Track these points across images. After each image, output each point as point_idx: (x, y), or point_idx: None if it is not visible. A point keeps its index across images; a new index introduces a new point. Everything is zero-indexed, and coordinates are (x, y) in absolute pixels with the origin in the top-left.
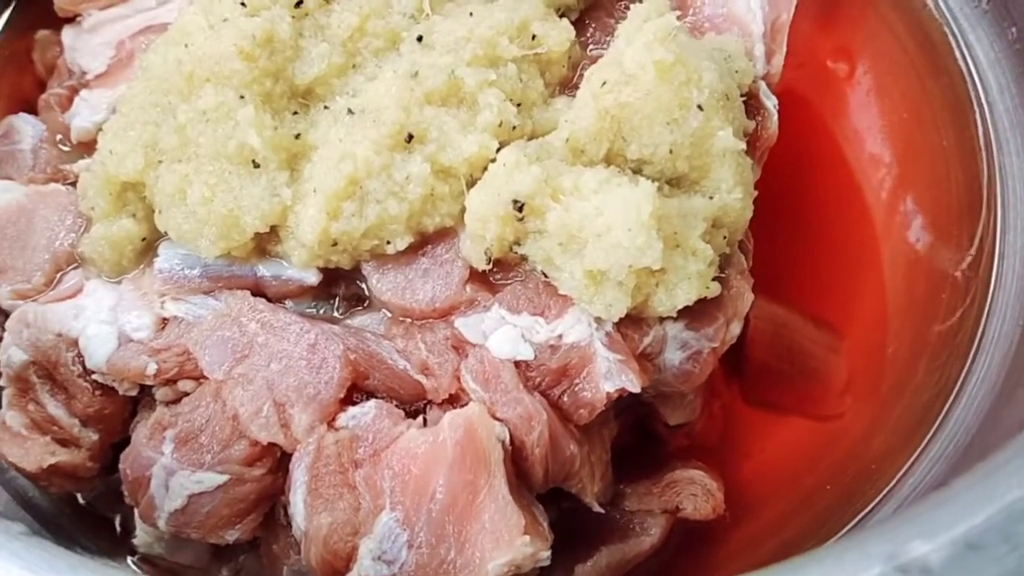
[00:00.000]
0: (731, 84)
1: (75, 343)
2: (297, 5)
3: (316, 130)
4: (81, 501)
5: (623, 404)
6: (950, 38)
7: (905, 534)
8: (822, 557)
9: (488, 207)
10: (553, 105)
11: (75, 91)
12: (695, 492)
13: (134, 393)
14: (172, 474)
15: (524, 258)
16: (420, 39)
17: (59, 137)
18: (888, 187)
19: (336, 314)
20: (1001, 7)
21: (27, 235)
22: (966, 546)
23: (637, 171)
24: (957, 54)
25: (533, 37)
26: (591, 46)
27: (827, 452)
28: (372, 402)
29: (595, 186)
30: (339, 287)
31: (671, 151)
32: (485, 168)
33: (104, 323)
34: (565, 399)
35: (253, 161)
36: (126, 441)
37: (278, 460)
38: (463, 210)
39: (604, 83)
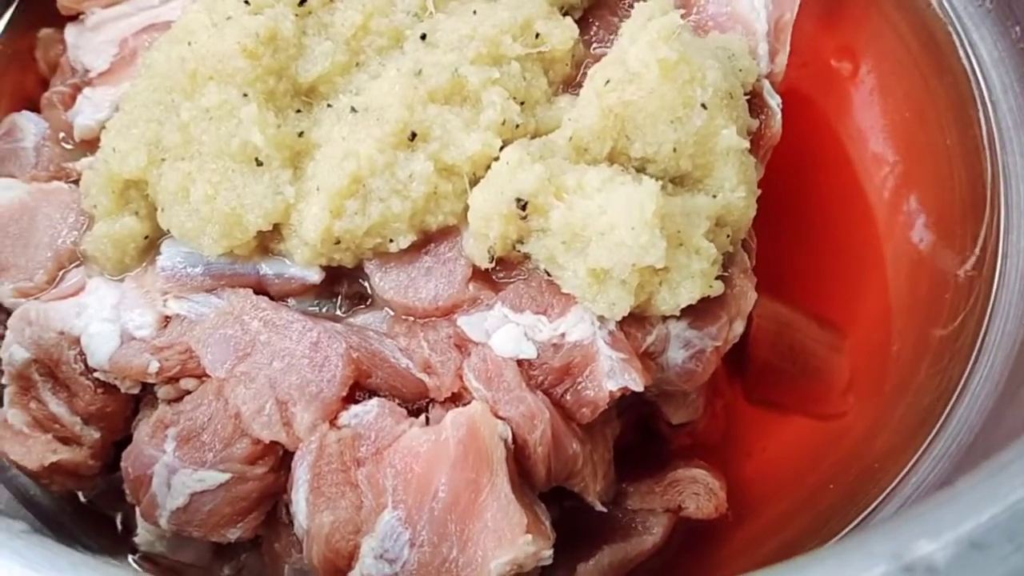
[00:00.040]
0: (735, 83)
1: (77, 341)
2: (301, 3)
3: (319, 128)
4: (82, 499)
5: (626, 403)
6: (954, 37)
7: (910, 533)
8: (826, 556)
9: (491, 205)
10: (556, 103)
11: (78, 89)
12: (697, 491)
13: (136, 391)
14: (174, 472)
15: (527, 256)
16: (424, 37)
17: (62, 135)
18: (891, 186)
19: (339, 312)
20: (1005, 6)
21: (29, 233)
22: (971, 545)
23: (641, 169)
24: (961, 53)
25: (537, 35)
26: (595, 44)
27: (830, 451)
28: (374, 400)
29: (598, 184)
30: (342, 285)
31: (675, 149)
32: (488, 166)
33: (106, 321)
34: (568, 398)
35: (256, 159)
36: (128, 439)
37: (280, 458)
38: (466, 208)
39: (608, 81)
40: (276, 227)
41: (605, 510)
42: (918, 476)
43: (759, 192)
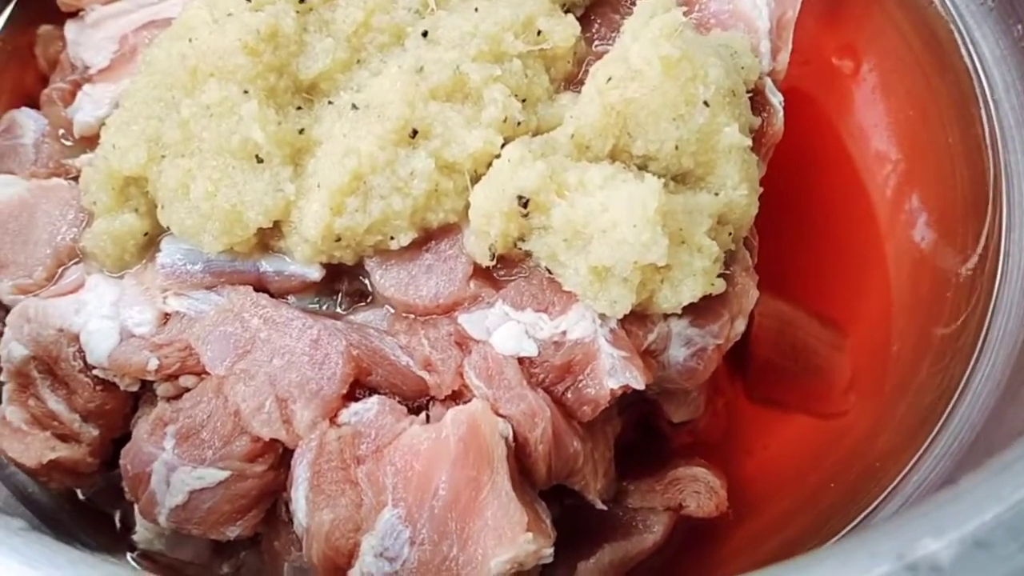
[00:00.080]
0: (737, 80)
1: (76, 338)
2: (302, 0)
3: (320, 125)
4: (81, 497)
5: (627, 401)
6: (956, 35)
7: (913, 532)
8: (829, 555)
9: (492, 203)
10: (558, 101)
11: (78, 86)
12: (698, 489)
13: (135, 388)
14: (173, 470)
15: (528, 254)
16: (425, 34)
17: (61, 132)
18: (893, 185)
19: (339, 310)
20: (1007, 4)
21: (29, 230)
22: (975, 544)
23: (642, 167)
24: (963, 51)
25: (538, 33)
26: (596, 42)
27: (831, 450)
28: (375, 398)
29: (600, 182)
30: (342, 283)
31: (677, 147)
32: (489, 164)
33: (106, 318)
34: (569, 396)
35: (257, 156)
36: (127, 437)
37: (280, 456)
38: (467, 206)
39: (610, 79)
40: (276, 224)
41: (606, 508)
42: (919, 475)
43: (761, 190)
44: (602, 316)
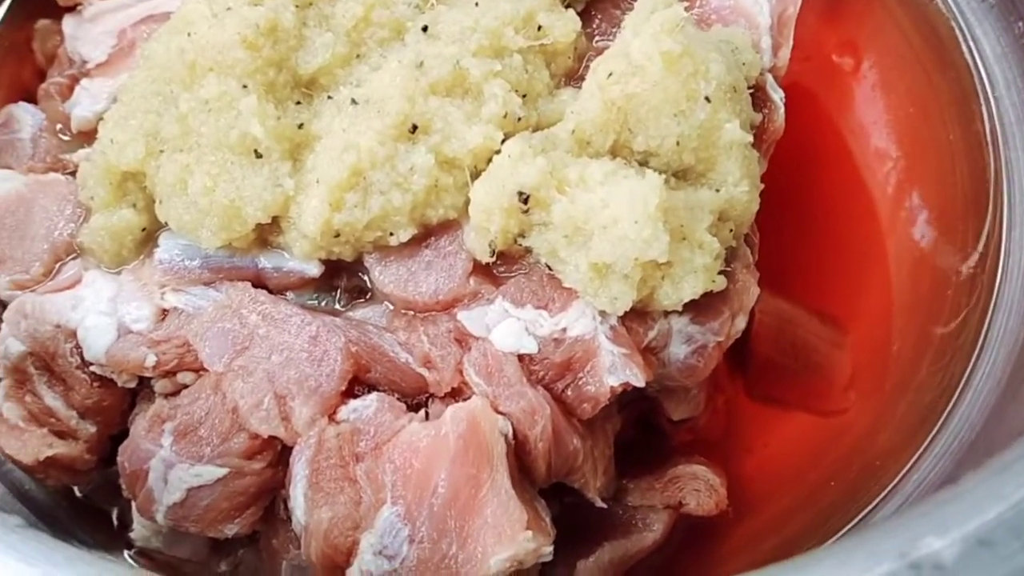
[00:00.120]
0: (738, 76)
1: (73, 334)
2: None
3: (319, 120)
4: (78, 494)
5: (626, 398)
6: (957, 32)
7: (916, 531)
8: (832, 554)
9: (492, 199)
10: (559, 96)
11: (76, 80)
12: (698, 487)
13: (133, 385)
14: (171, 467)
15: (528, 250)
16: (425, 29)
17: (59, 126)
18: (894, 182)
19: (338, 306)
20: (1008, 1)
21: (26, 225)
22: (978, 542)
23: (643, 163)
24: (964, 48)
25: (539, 28)
26: (597, 37)
27: (831, 448)
28: (374, 395)
29: (601, 178)
30: (341, 279)
31: (678, 143)
32: (490, 159)
33: (103, 314)
34: (569, 393)
35: (255, 151)
36: (124, 433)
37: (278, 453)
38: (467, 202)
39: (611, 74)
40: (275, 220)
41: (605, 506)
42: (920, 473)
43: (762, 187)
44: (602, 313)
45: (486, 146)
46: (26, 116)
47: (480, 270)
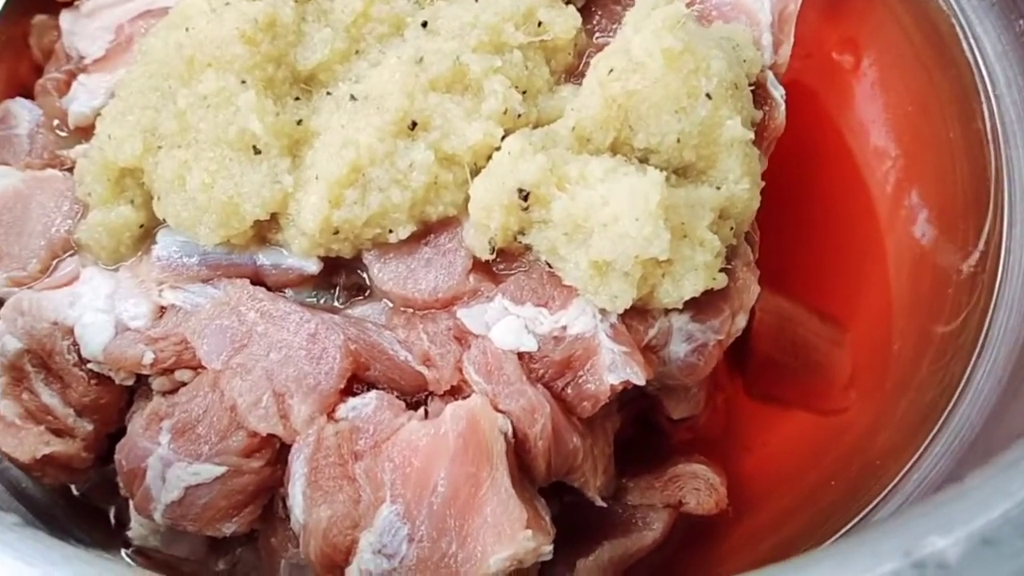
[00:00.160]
0: (739, 73)
1: (71, 331)
2: None
3: (318, 116)
4: (75, 492)
5: (626, 397)
6: (957, 30)
7: (920, 529)
8: (835, 552)
9: (492, 196)
10: (559, 93)
11: (73, 76)
12: (698, 486)
13: (130, 383)
14: (169, 465)
15: (528, 248)
16: (425, 25)
17: (56, 122)
18: (894, 180)
19: (336, 304)
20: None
21: (23, 221)
22: (982, 541)
23: (644, 160)
24: (964, 46)
25: (539, 24)
26: (597, 34)
27: (831, 447)
28: (373, 393)
29: (601, 175)
30: (340, 276)
31: (679, 140)
32: (489, 156)
33: (100, 311)
34: (568, 391)
35: (254, 147)
36: (122, 431)
37: (277, 452)
38: (467, 199)
39: (611, 71)
40: (274, 217)
41: (605, 505)
42: (920, 472)
43: (763, 184)
44: (602, 311)
45: (486, 143)
46: (23, 112)
47: (480, 267)
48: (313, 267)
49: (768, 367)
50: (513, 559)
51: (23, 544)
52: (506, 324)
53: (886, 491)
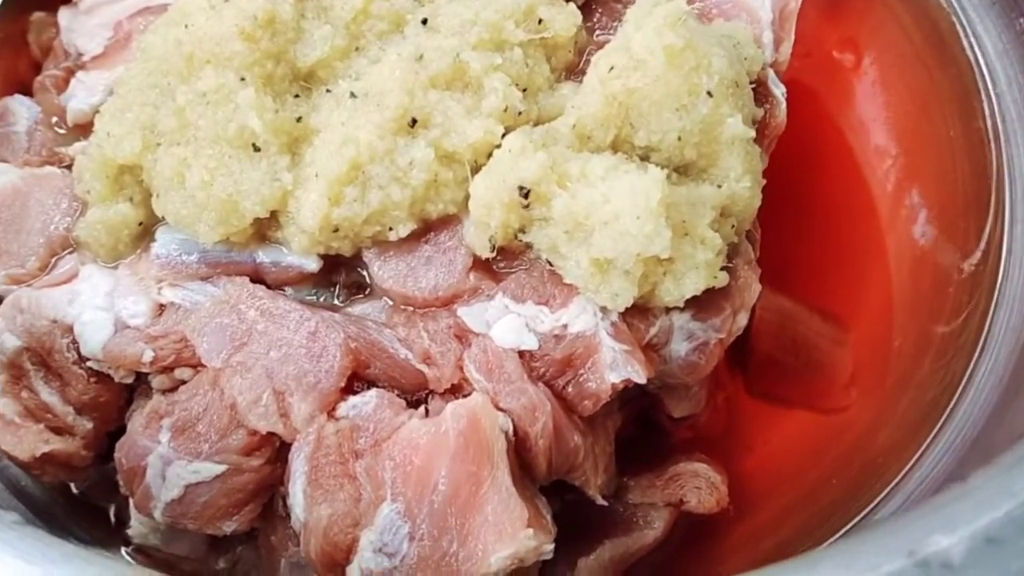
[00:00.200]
0: (740, 71)
1: (70, 329)
2: None
3: (318, 114)
4: (75, 491)
5: (627, 395)
6: (958, 28)
7: (924, 528)
8: (839, 551)
9: (493, 193)
10: (559, 91)
11: (71, 73)
12: (699, 485)
13: (130, 381)
14: (169, 464)
15: (529, 246)
16: (425, 22)
17: (55, 119)
18: (894, 179)
19: (336, 302)
20: None
21: (22, 218)
22: (986, 540)
23: (644, 158)
24: (965, 45)
25: (539, 21)
26: (597, 31)
27: (832, 445)
28: (373, 391)
29: (602, 173)
30: (340, 274)
31: (680, 138)
32: (490, 154)
33: (100, 309)
34: (569, 390)
35: (253, 144)
36: (121, 430)
37: (277, 450)
38: (467, 197)
39: (612, 68)
40: (273, 214)
41: (606, 504)
42: (922, 471)
43: (764, 182)
44: (603, 309)
45: (486, 140)
46: (21, 109)
47: (480, 266)
48: (313, 265)
49: (769, 366)
50: (514, 558)
51: (23, 542)
52: (507, 322)
53: (888, 490)
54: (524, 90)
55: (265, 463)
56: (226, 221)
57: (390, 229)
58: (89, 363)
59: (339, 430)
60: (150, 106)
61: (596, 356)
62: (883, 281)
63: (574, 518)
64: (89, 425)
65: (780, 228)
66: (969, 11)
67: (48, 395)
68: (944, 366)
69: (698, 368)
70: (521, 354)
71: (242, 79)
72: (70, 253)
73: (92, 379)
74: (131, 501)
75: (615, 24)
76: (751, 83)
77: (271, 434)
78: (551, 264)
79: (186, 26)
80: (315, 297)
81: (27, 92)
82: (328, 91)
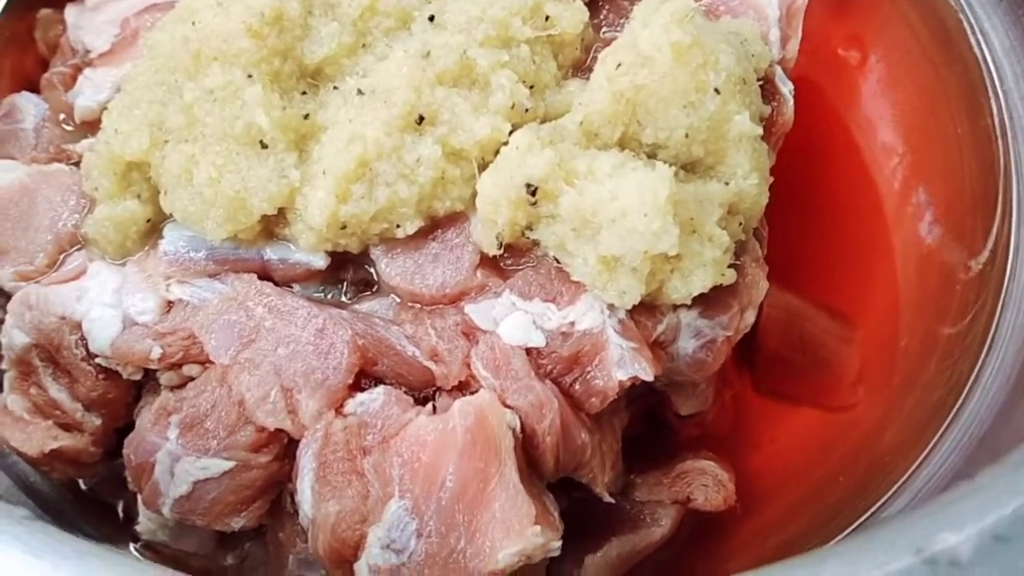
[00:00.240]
0: (748, 68)
1: (78, 326)
2: None
3: (325, 111)
4: (83, 487)
5: (634, 393)
6: (965, 26)
7: (932, 526)
8: (846, 549)
9: (500, 191)
10: (566, 88)
11: (78, 70)
12: (706, 483)
13: (138, 377)
14: (177, 460)
15: (536, 243)
16: (432, 19)
17: (62, 116)
18: (900, 177)
19: (344, 299)
20: None
21: (30, 215)
22: (994, 538)
23: (652, 155)
24: (972, 42)
25: (547, 18)
26: (604, 28)
27: (839, 443)
28: (381, 388)
29: (609, 170)
30: (347, 271)
31: (687, 135)
32: (497, 151)
33: (108, 306)
34: (577, 387)
35: (261, 142)
36: (130, 426)
37: (285, 446)
38: (474, 194)
39: (619, 65)
40: (281, 211)
41: (613, 501)
42: (929, 469)
43: (771, 180)
44: (611, 306)
45: (493, 137)
46: (29, 106)
47: (487, 263)
48: (320, 262)
49: (776, 363)
50: (522, 554)
51: (33, 538)
52: (514, 319)
53: (895, 487)
54: (531, 87)
55: (273, 459)
56: (234, 218)
57: (397, 226)
58: (97, 360)
59: (347, 427)
60: (158, 103)
61: (603, 353)
62: (889, 279)
63: (581, 515)
64: (97, 421)
65: (787, 226)
66: (976, 8)
67: (57, 391)
68: (951, 366)
69: (705, 365)
70: (528, 351)
71: (249, 76)
72: (78, 250)
73: (100, 376)
74: (139, 497)
75: (622, 21)
76: (758, 80)
77: (279, 431)
78: (558, 261)
79: (193, 23)
80: (323, 294)
81: (34, 89)
82: (335, 88)
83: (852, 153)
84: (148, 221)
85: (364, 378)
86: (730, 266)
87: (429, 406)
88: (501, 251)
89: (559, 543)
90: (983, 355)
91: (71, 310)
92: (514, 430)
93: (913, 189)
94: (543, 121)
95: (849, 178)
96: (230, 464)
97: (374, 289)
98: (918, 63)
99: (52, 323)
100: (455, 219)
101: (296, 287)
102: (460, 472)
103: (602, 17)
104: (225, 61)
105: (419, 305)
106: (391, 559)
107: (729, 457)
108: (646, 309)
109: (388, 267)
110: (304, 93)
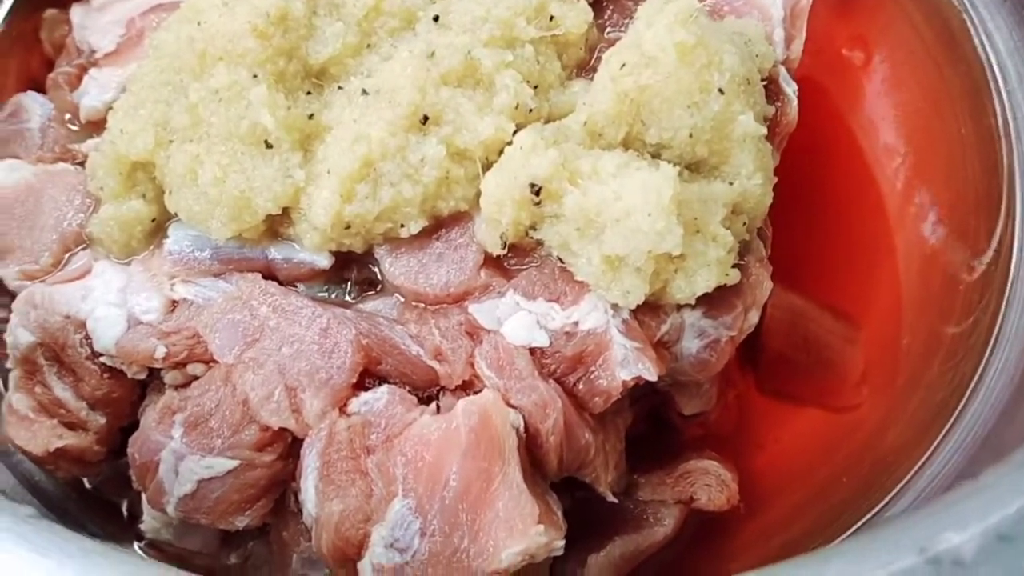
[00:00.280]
0: (752, 68)
1: (83, 325)
2: None
3: (330, 111)
4: (88, 486)
5: (638, 393)
6: (969, 26)
7: (935, 525)
8: (850, 549)
9: (504, 191)
10: (570, 88)
11: (84, 70)
12: (709, 483)
13: (143, 376)
14: (181, 459)
15: (540, 243)
16: (436, 19)
17: (68, 116)
18: (904, 177)
19: (348, 298)
20: None
21: (35, 215)
22: (998, 537)
23: (656, 155)
24: (976, 42)
25: (551, 18)
26: (609, 28)
27: (843, 444)
28: (384, 388)
29: (613, 170)
30: (351, 271)
31: (691, 135)
32: (501, 151)
33: (113, 305)
34: (580, 387)
35: (266, 141)
36: (134, 425)
37: (289, 445)
38: (478, 194)
39: (623, 65)
40: (285, 211)
41: (616, 501)
42: (933, 469)
43: (775, 180)
44: (615, 306)
45: (498, 137)
46: (35, 106)
47: (491, 263)
48: (325, 262)
49: (780, 363)
50: (525, 554)
51: (38, 536)
52: (518, 319)
53: (899, 487)
54: (535, 87)
55: (277, 459)
56: (238, 217)
57: (401, 226)
58: (102, 359)
59: (351, 426)
60: (163, 103)
61: (607, 353)
62: (893, 280)
63: (584, 515)
64: (102, 420)
65: (790, 226)
66: (980, 8)
67: (61, 390)
68: (955, 366)
69: (709, 365)
70: (532, 351)
71: (254, 76)
72: (83, 249)
73: (105, 375)
74: (144, 496)
75: (626, 21)
76: (762, 80)
77: (283, 430)
78: (562, 261)
79: (199, 23)
80: (327, 293)
81: (40, 89)
82: (340, 88)
83: (856, 153)
84: (153, 220)
85: (368, 377)
86: (734, 266)
87: (433, 405)
88: (505, 251)
89: (562, 542)
90: (987, 355)
91: (76, 309)
92: (518, 430)
93: (917, 189)
94: (547, 121)
95: (853, 178)
96: (234, 463)
97: (378, 289)
98: (922, 63)
99: (57, 322)
100: (459, 219)
101: (300, 287)
102: (464, 471)
103: (606, 17)
104: (230, 61)
105: (423, 305)
106: (395, 558)
107: (732, 457)
108: (650, 309)
109: (392, 267)
110: (309, 93)
